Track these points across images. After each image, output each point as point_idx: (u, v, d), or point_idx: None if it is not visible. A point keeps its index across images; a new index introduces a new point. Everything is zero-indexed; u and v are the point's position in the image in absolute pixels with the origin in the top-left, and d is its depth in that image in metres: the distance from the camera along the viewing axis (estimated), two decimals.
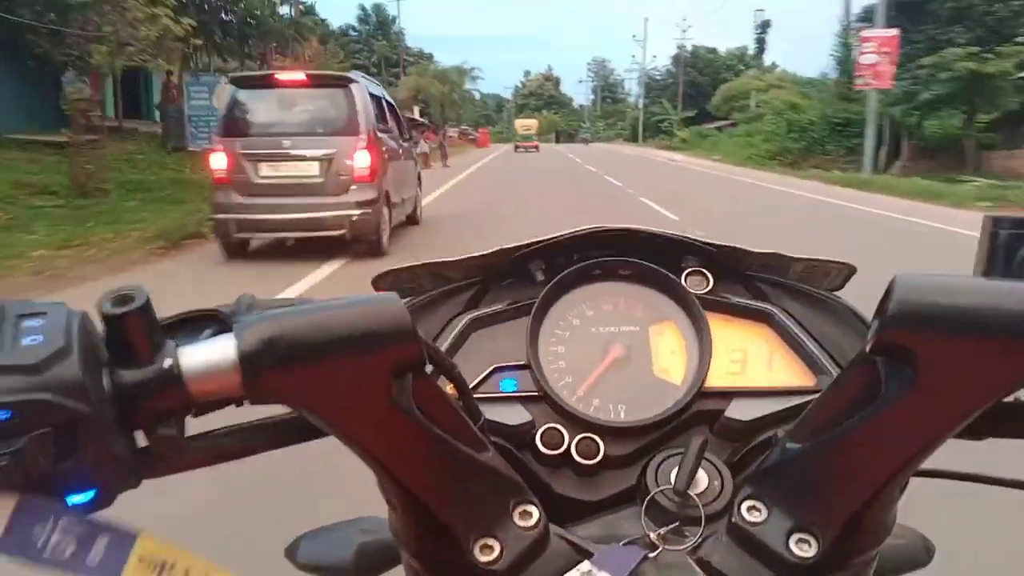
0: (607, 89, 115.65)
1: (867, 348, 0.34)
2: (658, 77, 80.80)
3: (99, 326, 0.32)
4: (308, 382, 0.32)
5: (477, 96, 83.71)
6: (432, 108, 43.95)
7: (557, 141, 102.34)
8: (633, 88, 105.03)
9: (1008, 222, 0.44)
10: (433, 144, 23.61)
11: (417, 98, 39.17)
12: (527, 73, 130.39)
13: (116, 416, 0.31)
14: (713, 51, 77.96)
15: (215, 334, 0.34)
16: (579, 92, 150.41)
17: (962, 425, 0.34)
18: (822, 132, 29.92)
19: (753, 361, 0.52)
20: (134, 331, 0.32)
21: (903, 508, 0.40)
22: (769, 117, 33.51)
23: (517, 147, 45.63)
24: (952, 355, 0.32)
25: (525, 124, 47.94)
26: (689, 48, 76.46)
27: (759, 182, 19.88)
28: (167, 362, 0.32)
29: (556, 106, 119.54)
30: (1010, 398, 0.35)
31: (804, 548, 0.37)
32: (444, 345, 0.52)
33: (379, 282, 0.53)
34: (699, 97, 70.94)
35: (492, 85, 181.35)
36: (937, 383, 0.33)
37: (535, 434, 0.49)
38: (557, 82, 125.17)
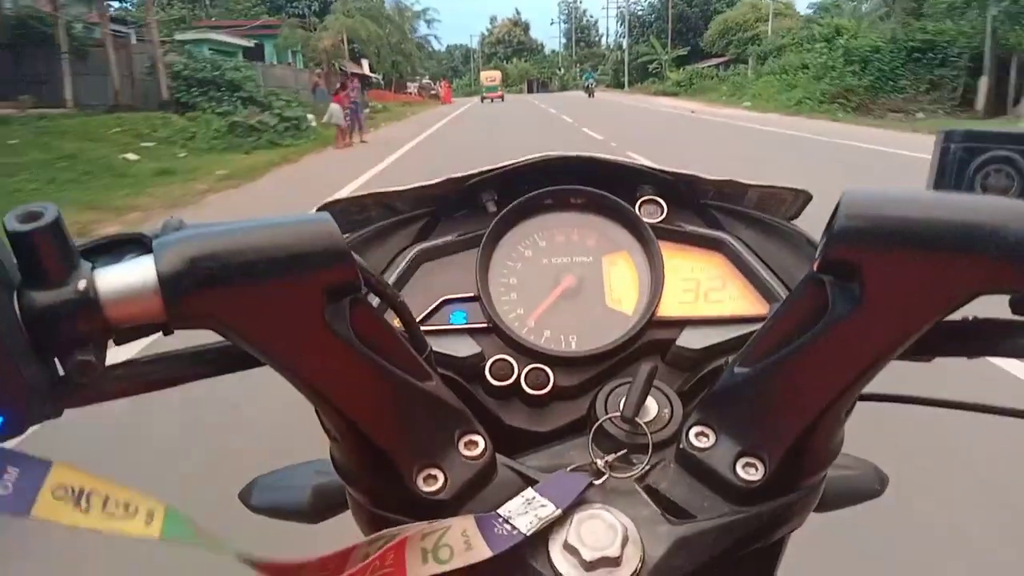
0: (580, 32, 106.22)
1: (814, 267, 0.34)
2: (640, 13, 71.78)
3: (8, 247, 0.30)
4: (234, 304, 0.31)
5: (437, 45, 74.38)
6: (377, 59, 35.20)
7: (530, 91, 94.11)
8: (611, 28, 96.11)
9: (960, 135, 0.43)
10: (347, 110, 15.32)
11: (348, 46, 29.93)
12: (493, 19, 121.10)
13: (27, 340, 0.29)
14: None
15: (136, 254, 0.32)
16: (550, 37, 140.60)
17: (907, 343, 0.34)
18: (892, 62, 21.99)
19: (706, 290, 0.52)
20: (44, 250, 0.29)
21: (858, 440, 0.41)
22: (819, 46, 25.28)
23: (483, 98, 46.72)
24: (897, 270, 0.32)
25: (490, 76, 49.51)
26: None
27: (877, 146, 12.02)
28: (81, 283, 0.30)
29: (526, 53, 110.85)
30: (956, 316, 0.35)
31: (751, 472, 0.37)
32: (392, 277, 0.51)
33: (325, 211, 0.49)
34: (689, 33, 62.43)
35: (458, 35, 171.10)
36: (882, 299, 0.32)
37: (484, 366, 0.48)
38: (526, 27, 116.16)
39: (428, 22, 54.59)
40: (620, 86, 65.21)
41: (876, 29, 24.36)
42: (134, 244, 0.34)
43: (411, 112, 31.93)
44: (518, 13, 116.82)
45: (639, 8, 71.96)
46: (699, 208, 0.55)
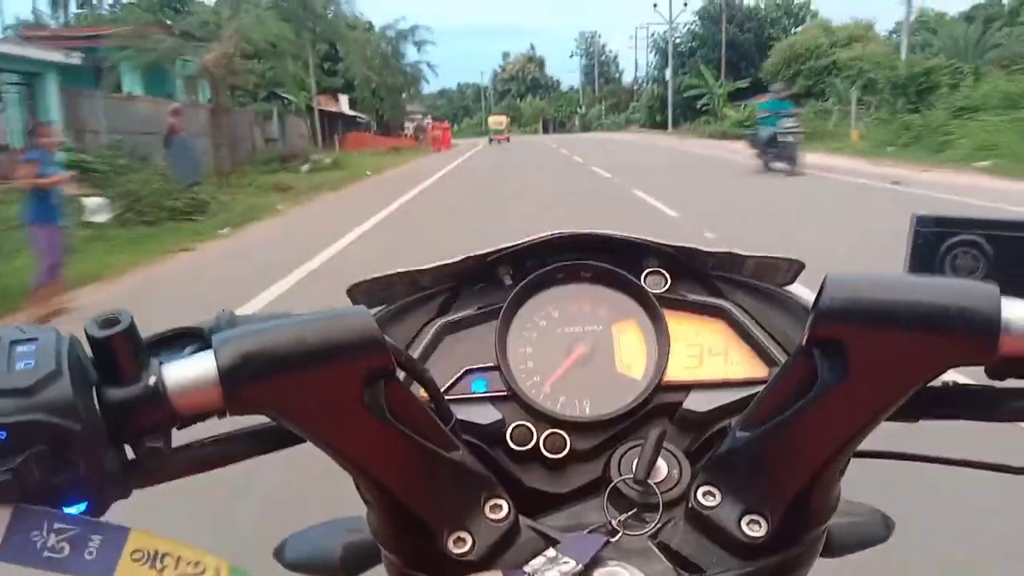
0: (599, 67, 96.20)
1: (803, 341, 0.38)
2: (678, 41, 61.03)
3: (87, 348, 0.35)
4: (284, 393, 0.35)
5: (433, 79, 63.95)
6: (296, 89, 23.53)
7: (545, 131, 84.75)
8: (639, 61, 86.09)
9: (930, 221, 0.47)
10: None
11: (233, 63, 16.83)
12: (506, 56, 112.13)
13: (105, 432, 0.33)
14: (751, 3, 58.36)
15: (196, 350, 0.37)
16: (567, 72, 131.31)
17: (891, 410, 0.37)
18: None
19: (709, 355, 0.55)
20: (120, 351, 0.34)
21: (864, 487, 0.45)
22: None
23: (491, 139, 46.89)
24: (878, 346, 0.36)
25: (497, 120, 51.16)
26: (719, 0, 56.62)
27: None
28: (152, 380, 0.34)
29: (541, 91, 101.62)
30: (937, 383, 0.39)
31: (755, 528, 0.40)
32: (417, 350, 0.54)
33: (353, 291, 0.54)
34: (741, 63, 51.76)
35: (469, 74, 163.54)
36: (866, 372, 0.36)
37: (505, 432, 0.51)
38: (541, 63, 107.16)
39: (418, 45, 43.44)
40: (657, 126, 54.28)
41: None
42: (191, 336, 0.39)
43: (373, 170, 20.67)
44: (532, 48, 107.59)
45: (677, 37, 61.13)
46: (701, 277, 0.58)
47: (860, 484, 0.42)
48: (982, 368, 0.40)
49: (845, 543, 0.57)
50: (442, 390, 0.46)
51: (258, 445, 0.42)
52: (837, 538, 0.45)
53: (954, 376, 0.40)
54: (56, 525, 0.31)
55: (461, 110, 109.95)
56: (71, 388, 0.32)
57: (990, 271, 0.45)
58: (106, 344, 0.34)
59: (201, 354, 0.35)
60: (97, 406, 0.33)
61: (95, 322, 0.34)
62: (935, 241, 0.46)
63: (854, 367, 0.36)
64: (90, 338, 0.34)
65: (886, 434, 0.41)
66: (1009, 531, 2.20)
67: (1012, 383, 0.42)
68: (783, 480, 0.39)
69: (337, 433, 0.37)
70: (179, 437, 0.38)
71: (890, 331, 0.35)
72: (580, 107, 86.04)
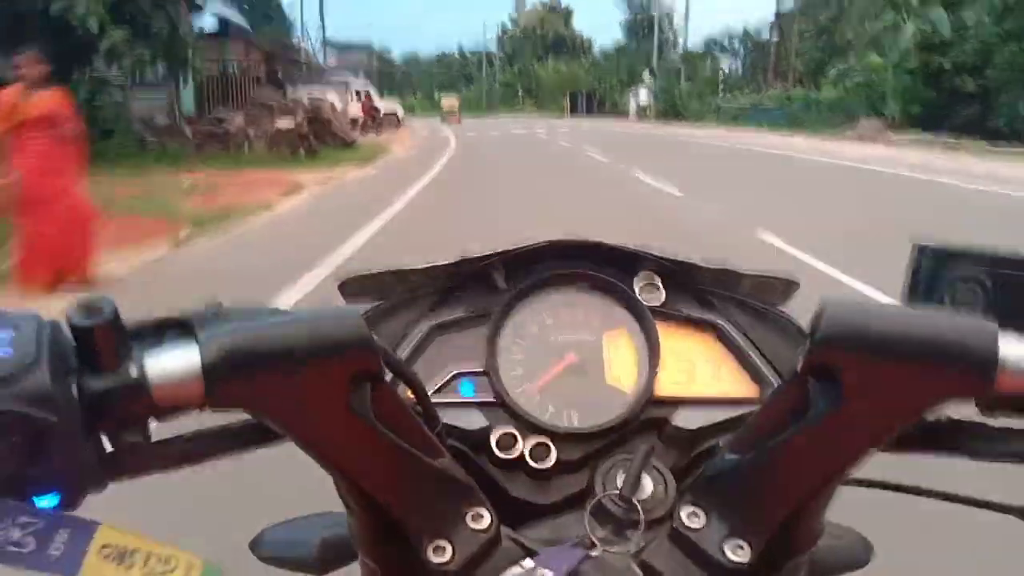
0: (647, 26, 63.67)
1: (798, 368, 0.38)
2: None
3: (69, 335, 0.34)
4: (268, 391, 0.34)
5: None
6: None
7: (573, 110, 53.79)
8: (688, 24, 53.89)
9: (930, 250, 0.46)
10: None
11: None
12: (519, 4, 79.16)
13: (83, 422, 0.32)
14: None
15: (179, 338, 0.36)
16: (600, 29, 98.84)
17: (883, 442, 0.37)
18: None
19: (700, 371, 0.54)
20: (102, 341, 0.33)
21: (843, 511, 0.46)
22: None
23: (443, 119, 45.31)
24: (874, 377, 0.35)
25: (449, 103, 49.48)
26: None
27: None
28: (133, 370, 0.33)
29: (566, 52, 69.50)
30: (931, 417, 0.39)
31: (739, 553, 0.39)
32: (406, 350, 0.53)
33: (345, 287, 0.54)
34: None
35: (476, 35, 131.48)
36: (860, 402, 0.36)
37: (491, 438, 0.50)
38: (567, 16, 74.71)
39: None
40: (929, 125, 21.79)
41: None
42: (175, 325, 0.37)
43: None
44: None
45: None
46: (696, 292, 0.57)
47: (839, 506, 0.43)
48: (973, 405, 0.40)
49: (824, 567, 0.56)
50: (430, 392, 0.46)
51: (239, 442, 0.41)
52: (816, 562, 0.45)
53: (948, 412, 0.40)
54: (22, 519, 0.30)
55: (463, 79, 78.05)
56: (50, 379, 0.31)
57: (989, 305, 0.44)
58: (88, 333, 0.33)
59: (185, 347, 0.34)
60: (76, 395, 0.32)
61: (77, 311, 0.33)
62: (936, 274, 0.45)
63: (848, 397, 0.36)
64: (72, 327, 0.33)
65: (875, 463, 0.41)
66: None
67: (1005, 421, 0.41)
68: (770, 506, 0.39)
69: (320, 434, 0.36)
70: (159, 432, 0.37)
71: (886, 362, 0.35)
72: (652, 75, 52.83)
